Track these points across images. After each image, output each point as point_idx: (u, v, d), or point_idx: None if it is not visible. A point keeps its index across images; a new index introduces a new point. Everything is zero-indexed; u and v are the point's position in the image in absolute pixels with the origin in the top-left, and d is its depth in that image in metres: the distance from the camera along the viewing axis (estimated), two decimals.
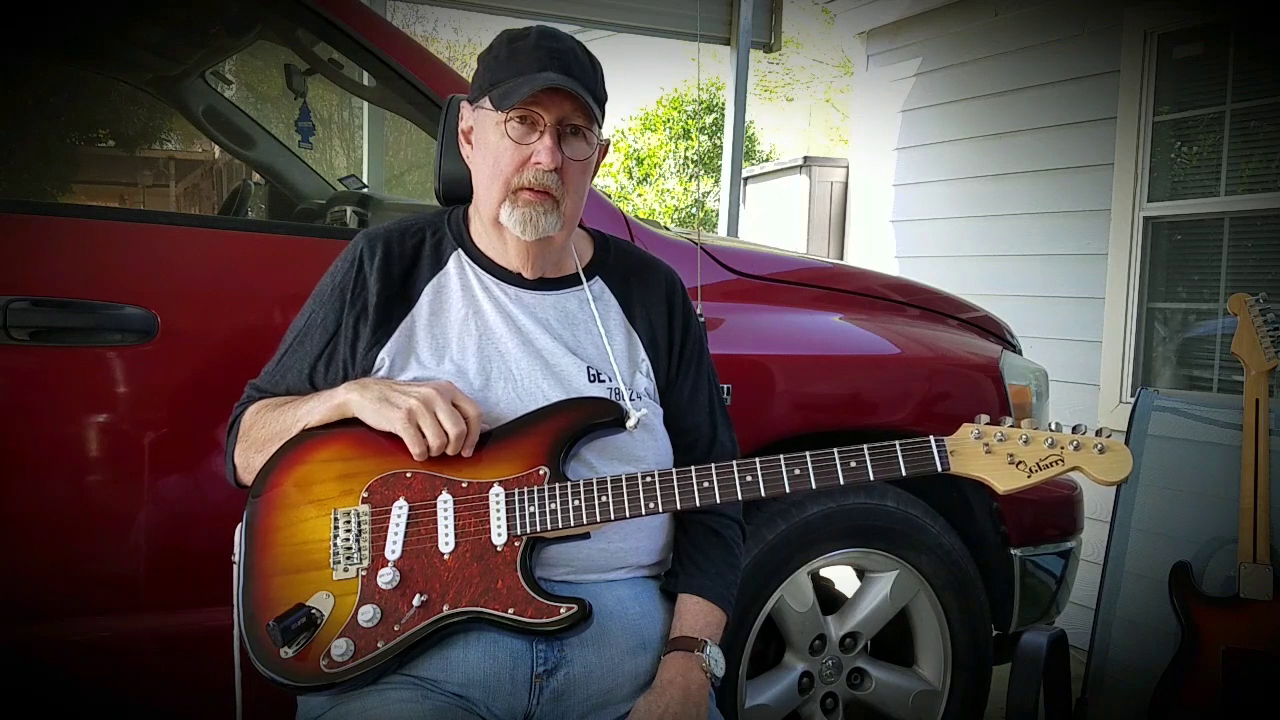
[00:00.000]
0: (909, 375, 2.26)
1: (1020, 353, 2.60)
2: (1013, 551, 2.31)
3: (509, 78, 1.37)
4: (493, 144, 1.39)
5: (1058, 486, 2.40)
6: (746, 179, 6.84)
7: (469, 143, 1.47)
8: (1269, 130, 3.49)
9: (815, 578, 2.15)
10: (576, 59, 1.39)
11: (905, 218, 4.92)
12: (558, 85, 1.34)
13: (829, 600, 2.29)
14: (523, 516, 1.31)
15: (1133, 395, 2.53)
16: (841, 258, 5.74)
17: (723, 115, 6.06)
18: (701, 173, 9.99)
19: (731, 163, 4.84)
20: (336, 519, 1.31)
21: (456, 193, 1.59)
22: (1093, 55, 3.91)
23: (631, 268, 1.55)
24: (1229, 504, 1.92)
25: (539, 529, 1.30)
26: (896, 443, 1.32)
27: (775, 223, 6.47)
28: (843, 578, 2.45)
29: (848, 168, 5.79)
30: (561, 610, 1.28)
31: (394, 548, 1.30)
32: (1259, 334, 1.94)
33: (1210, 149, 3.66)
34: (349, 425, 1.35)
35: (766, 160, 10.11)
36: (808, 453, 1.32)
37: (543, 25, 1.42)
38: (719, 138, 9.29)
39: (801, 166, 6.23)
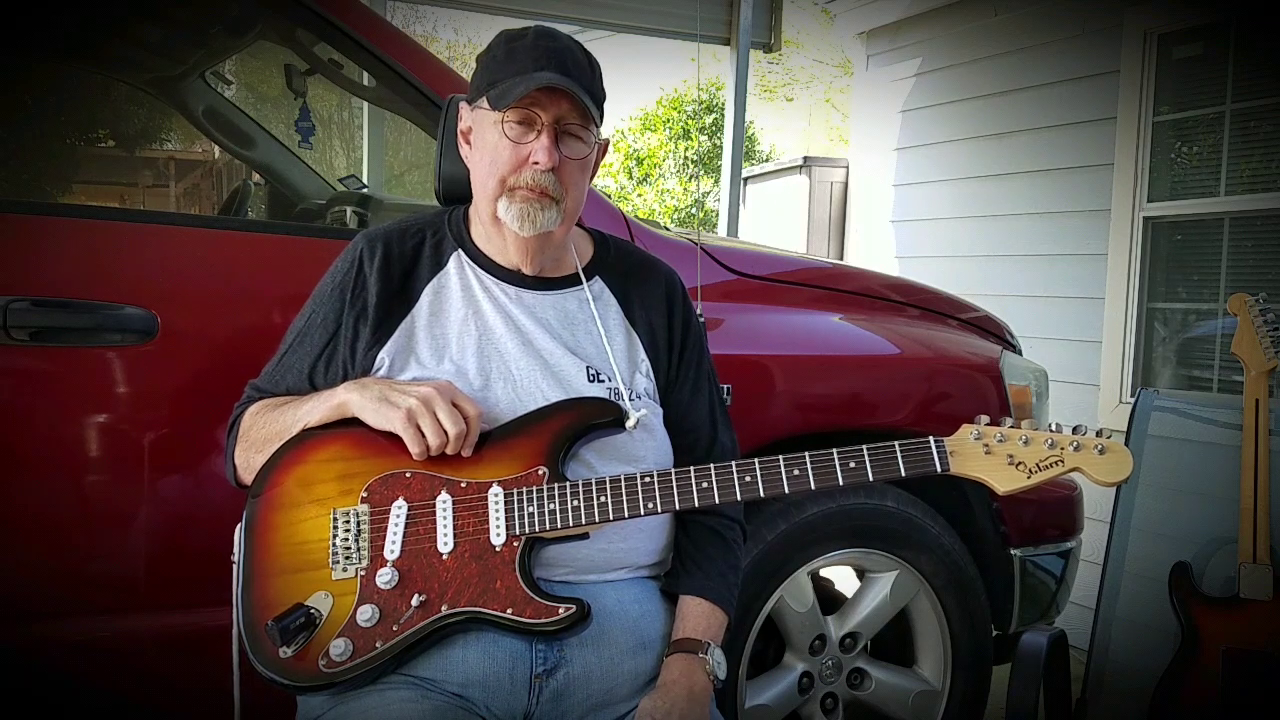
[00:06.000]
0: (909, 375, 2.26)
1: (1020, 353, 2.60)
2: (1013, 551, 2.31)
3: (506, 77, 1.37)
4: (490, 143, 1.39)
5: (1058, 486, 2.40)
6: (746, 179, 6.84)
7: (468, 143, 1.47)
8: (1269, 130, 3.49)
9: (815, 578, 2.14)
10: (574, 58, 1.39)
11: (905, 218, 4.92)
12: (554, 85, 1.34)
13: (829, 600, 2.29)
14: (521, 517, 1.31)
15: (1133, 395, 2.53)
16: (841, 258, 5.74)
17: (723, 115, 6.06)
18: (701, 173, 9.99)
19: (731, 163, 4.84)
20: (335, 519, 1.31)
21: (456, 193, 1.59)
22: (1093, 55, 3.91)
23: (631, 268, 1.55)
24: (1229, 504, 1.92)
25: (538, 529, 1.30)
26: (896, 443, 1.31)
27: (775, 223, 6.46)
28: (843, 578, 2.44)
29: (848, 168, 5.79)
30: (560, 610, 1.28)
31: (393, 548, 1.30)
32: (1259, 334, 1.94)
33: (1210, 149, 3.66)
34: (349, 425, 1.35)
35: (766, 160, 10.10)
36: (807, 453, 1.32)
37: (541, 25, 1.42)
38: (719, 138, 9.28)
39: (801, 166, 6.23)
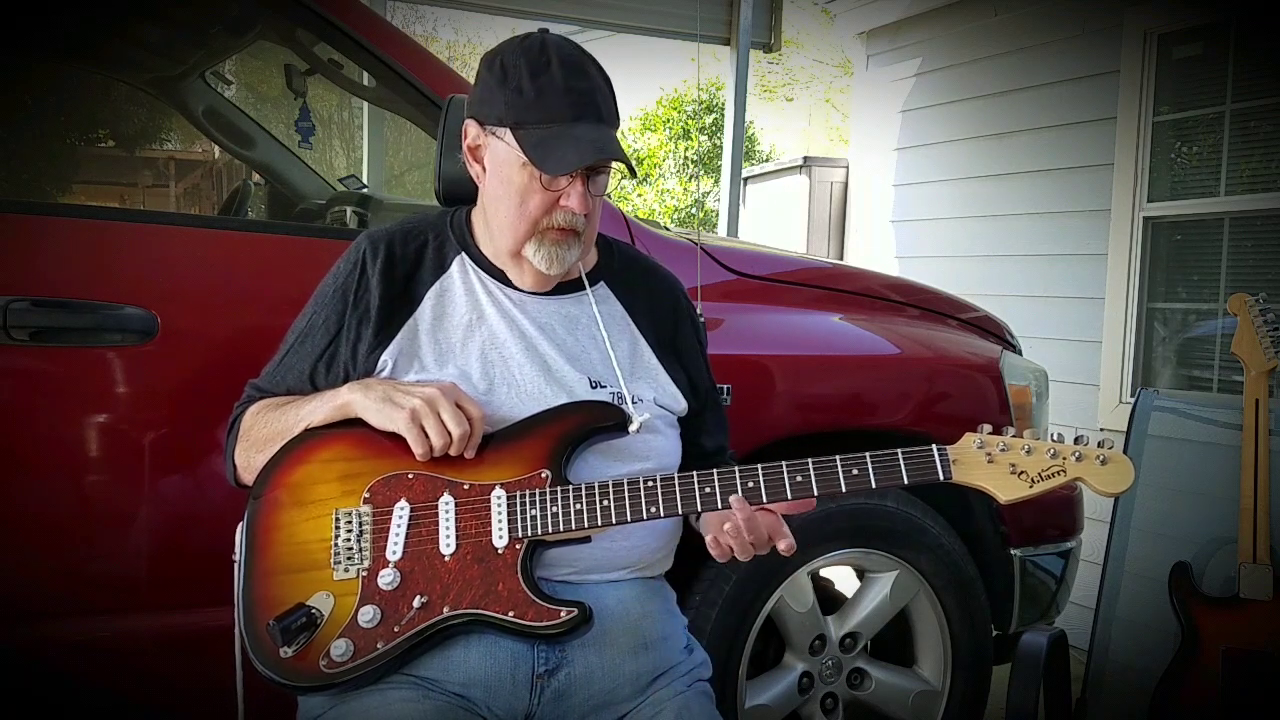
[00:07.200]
0: (909, 375, 2.26)
1: (1020, 353, 2.60)
2: (1012, 551, 2.31)
3: (539, 123, 1.33)
4: (518, 184, 1.36)
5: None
6: (746, 179, 6.83)
7: (477, 162, 1.43)
8: (1269, 130, 3.49)
9: (815, 578, 2.15)
10: (604, 97, 1.36)
11: (905, 218, 4.92)
12: (605, 159, 1.33)
13: (829, 600, 2.29)
14: (524, 519, 1.31)
15: (1133, 395, 2.53)
16: (841, 258, 5.74)
17: (723, 115, 6.05)
18: (701, 173, 9.99)
19: (731, 163, 4.84)
20: (338, 519, 1.31)
21: (457, 193, 1.59)
22: (1093, 55, 3.91)
23: (636, 274, 1.55)
24: (1229, 504, 1.92)
25: (540, 532, 1.30)
26: (899, 451, 1.31)
27: (775, 223, 6.46)
28: (843, 578, 2.45)
29: (848, 168, 5.79)
30: (562, 614, 1.28)
31: (395, 549, 1.30)
32: (1259, 334, 1.94)
33: (1210, 149, 3.66)
34: (351, 425, 1.35)
35: (766, 160, 10.10)
36: (810, 459, 1.32)
37: (560, 47, 1.36)
38: (719, 138, 9.28)
39: (801, 166, 6.23)
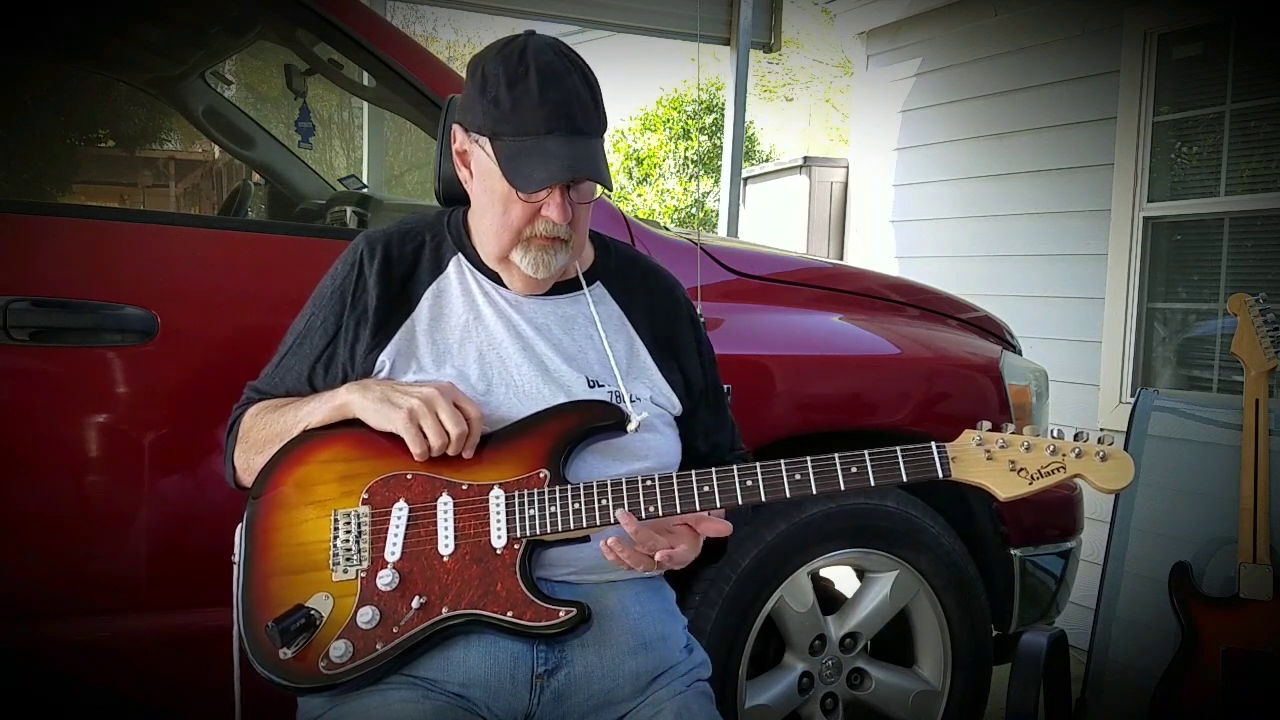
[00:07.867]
0: (909, 376, 2.26)
1: (1020, 353, 2.60)
2: (1012, 551, 2.31)
3: (514, 135, 1.33)
4: (500, 193, 1.36)
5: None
6: (746, 179, 6.83)
7: (465, 166, 1.43)
8: (1269, 130, 3.49)
9: (815, 578, 2.15)
10: (582, 104, 1.34)
11: (905, 218, 4.92)
12: (578, 177, 1.32)
13: (829, 600, 2.29)
14: (522, 519, 1.31)
15: (1133, 395, 2.53)
16: (841, 258, 5.74)
17: (723, 115, 6.05)
18: (701, 173, 9.99)
19: (731, 163, 4.84)
20: (336, 520, 1.31)
21: (457, 194, 1.58)
22: (1093, 55, 3.91)
23: (635, 274, 1.55)
24: (1229, 504, 1.92)
25: (538, 532, 1.30)
26: (898, 449, 1.31)
27: (775, 223, 6.46)
28: (843, 578, 2.45)
29: (848, 168, 5.79)
30: (561, 614, 1.28)
31: (394, 549, 1.30)
32: (1259, 334, 1.94)
33: (1210, 149, 3.66)
34: (350, 426, 1.35)
35: (766, 160, 10.09)
36: (809, 458, 1.32)
37: (540, 54, 1.33)
38: (719, 138, 9.27)
39: (801, 166, 6.23)
